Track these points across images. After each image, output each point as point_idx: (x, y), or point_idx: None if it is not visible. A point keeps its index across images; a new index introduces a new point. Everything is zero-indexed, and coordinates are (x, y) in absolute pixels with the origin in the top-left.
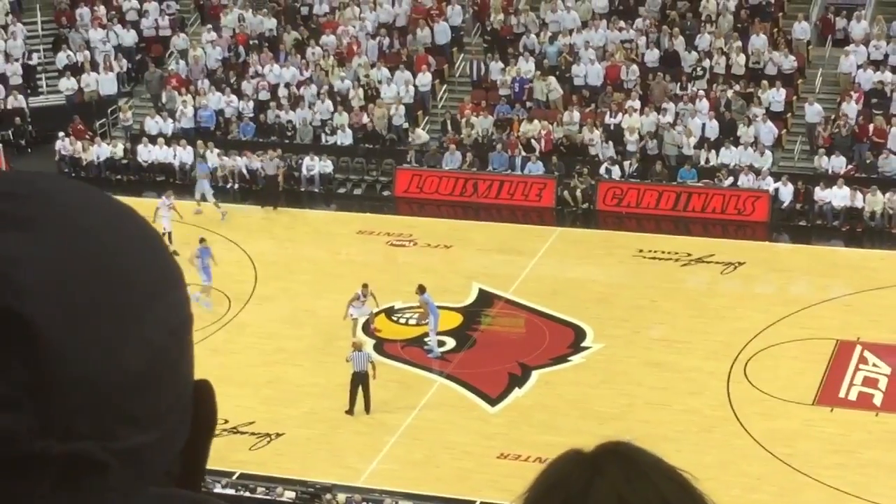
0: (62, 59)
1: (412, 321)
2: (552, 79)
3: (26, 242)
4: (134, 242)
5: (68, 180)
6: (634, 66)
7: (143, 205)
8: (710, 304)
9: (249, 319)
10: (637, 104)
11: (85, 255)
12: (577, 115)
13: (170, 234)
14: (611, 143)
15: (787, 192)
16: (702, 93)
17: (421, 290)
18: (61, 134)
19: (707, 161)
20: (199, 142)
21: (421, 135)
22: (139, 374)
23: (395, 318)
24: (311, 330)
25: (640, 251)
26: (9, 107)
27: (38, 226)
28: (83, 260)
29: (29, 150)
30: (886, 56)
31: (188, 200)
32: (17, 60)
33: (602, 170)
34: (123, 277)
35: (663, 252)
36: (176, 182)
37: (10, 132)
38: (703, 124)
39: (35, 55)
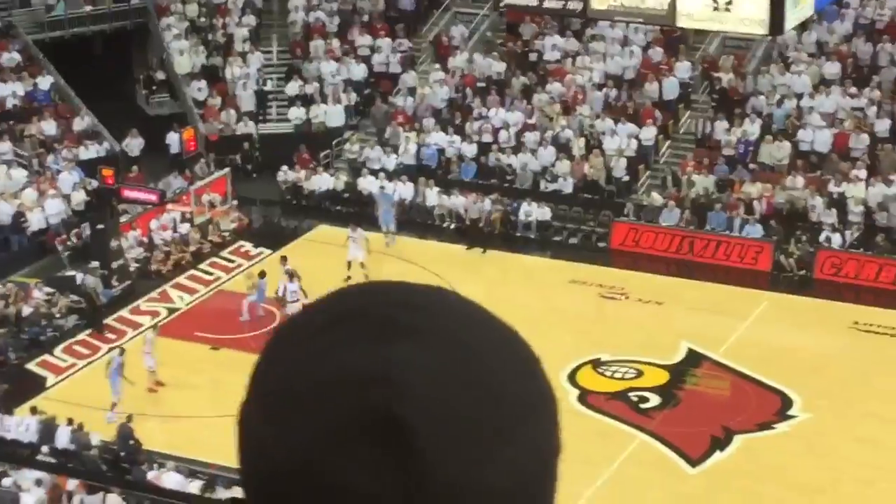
0: (293, 88)
1: (618, 375)
2: (786, 143)
3: (413, 351)
4: (514, 364)
5: (461, 297)
6: (864, 135)
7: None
8: None
9: None
10: (863, 174)
11: (466, 370)
12: (800, 181)
13: (361, 262)
14: (833, 210)
15: None
16: None
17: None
18: (284, 168)
19: None
20: (421, 178)
21: (656, 198)
22: (501, 495)
23: (601, 371)
24: None
25: (856, 323)
26: (238, 132)
27: (426, 336)
28: (464, 374)
29: (254, 175)
30: None
31: (409, 237)
32: (251, 87)
33: (822, 237)
34: (500, 396)
35: (880, 326)
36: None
37: (238, 157)
38: None
39: (269, 83)
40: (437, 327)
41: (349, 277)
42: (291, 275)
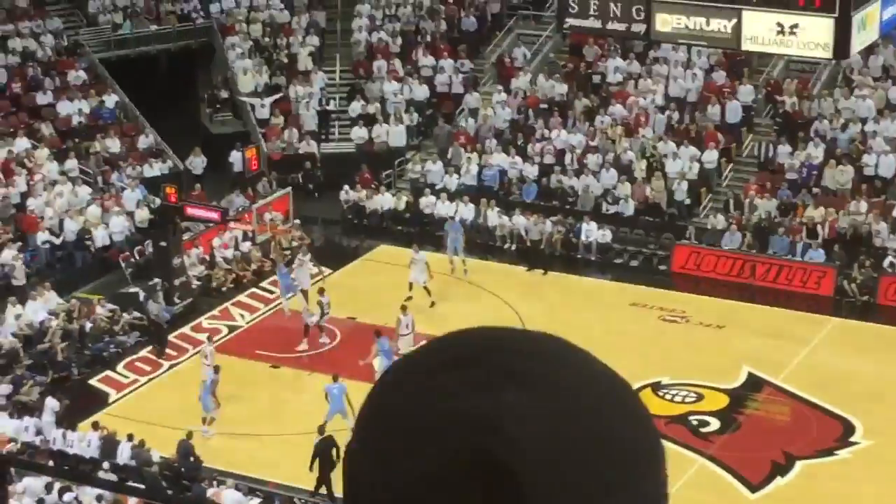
0: (356, 108)
1: (678, 398)
2: (849, 167)
3: (524, 399)
4: (625, 417)
5: (573, 346)
6: None
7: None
8: None
9: None
10: None
11: (577, 420)
12: (864, 206)
13: (424, 286)
14: None
15: None
16: None
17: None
18: (346, 187)
19: None
20: (482, 199)
21: (718, 222)
22: None
23: (660, 394)
24: None
25: None
26: (301, 151)
27: (537, 385)
28: (574, 424)
29: (316, 194)
30: None
31: (470, 258)
32: (313, 107)
33: (886, 263)
34: (610, 448)
35: None
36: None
37: (300, 176)
38: None
39: (332, 102)
40: (549, 376)
41: (410, 298)
42: (321, 290)
